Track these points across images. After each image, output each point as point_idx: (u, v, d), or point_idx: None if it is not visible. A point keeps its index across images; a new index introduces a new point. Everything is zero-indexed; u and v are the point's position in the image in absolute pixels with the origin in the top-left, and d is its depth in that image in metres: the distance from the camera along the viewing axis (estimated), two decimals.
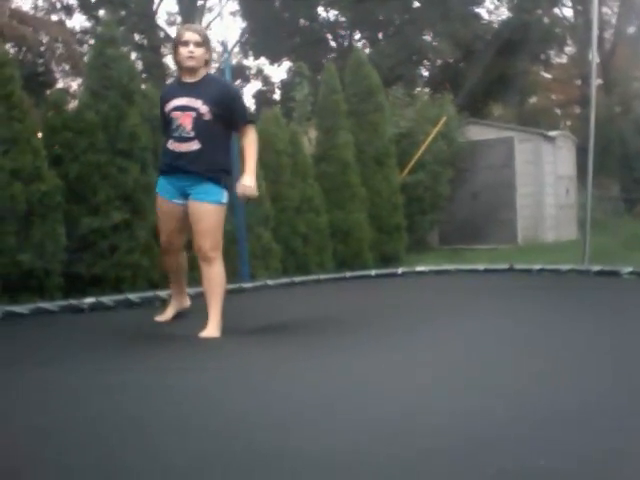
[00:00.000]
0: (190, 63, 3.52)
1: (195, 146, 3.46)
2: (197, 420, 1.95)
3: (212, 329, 3.37)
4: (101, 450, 1.70)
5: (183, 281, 3.95)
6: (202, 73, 3.58)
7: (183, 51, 3.52)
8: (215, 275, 3.50)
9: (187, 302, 4.00)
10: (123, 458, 1.64)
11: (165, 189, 3.63)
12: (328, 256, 6.93)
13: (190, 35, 3.54)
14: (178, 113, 3.49)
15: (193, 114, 3.46)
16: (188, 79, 3.57)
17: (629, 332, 3.21)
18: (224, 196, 3.55)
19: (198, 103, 3.46)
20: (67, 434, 1.84)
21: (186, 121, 3.45)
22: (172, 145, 3.52)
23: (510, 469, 1.51)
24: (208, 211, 3.50)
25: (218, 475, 1.54)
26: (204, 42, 3.56)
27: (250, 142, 3.60)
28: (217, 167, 3.54)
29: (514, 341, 3.08)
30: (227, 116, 3.54)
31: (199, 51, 3.52)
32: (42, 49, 13.86)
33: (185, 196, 3.56)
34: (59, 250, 4.58)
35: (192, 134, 3.45)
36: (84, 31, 18.95)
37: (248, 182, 3.53)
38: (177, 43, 3.58)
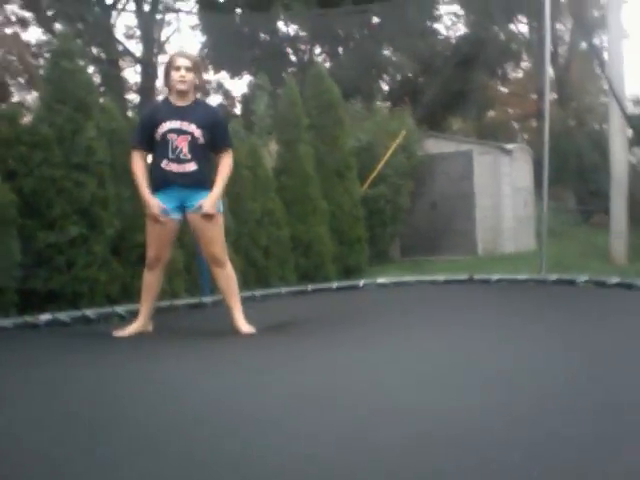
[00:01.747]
0: (181, 87, 3.77)
1: (192, 167, 3.77)
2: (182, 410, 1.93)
3: (246, 326, 3.79)
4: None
5: (152, 303, 3.99)
6: (191, 97, 3.85)
7: (175, 75, 3.76)
8: (230, 274, 3.91)
9: (151, 326, 3.99)
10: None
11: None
12: (290, 269, 6.92)
13: (182, 61, 3.80)
14: (174, 135, 3.75)
15: (188, 137, 3.75)
16: (179, 102, 3.82)
17: (582, 335, 3.30)
18: (221, 204, 3.90)
19: (192, 127, 3.75)
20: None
21: (182, 144, 3.74)
22: (169, 166, 3.77)
23: (478, 465, 1.52)
24: (212, 221, 3.82)
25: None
26: (194, 67, 3.83)
27: (225, 166, 3.90)
28: (209, 180, 3.86)
29: (471, 345, 3.11)
30: (211, 138, 3.83)
31: (189, 75, 3.78)
32: None
33: (182, 208, 3.83)
34: (13, 266, 4.47)
35: (189, 156, 3.75)
36: (40, 44, 18.68)
37: (208, 202, 3.80)
38: (169, 68, 3.82)
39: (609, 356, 2.82)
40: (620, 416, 1.91)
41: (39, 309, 4.41)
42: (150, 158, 3.91)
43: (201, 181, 3.81)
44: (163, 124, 3.75)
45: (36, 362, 3.10)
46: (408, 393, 2.27)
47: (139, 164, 3.85)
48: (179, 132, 3.74)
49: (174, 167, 3.75)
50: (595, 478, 1.48)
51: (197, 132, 3.75)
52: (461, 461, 1.58)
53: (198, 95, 3.98)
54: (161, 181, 3.80)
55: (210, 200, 3.80)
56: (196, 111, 3.81)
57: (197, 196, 3.80)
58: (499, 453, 1.62)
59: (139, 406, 2.25)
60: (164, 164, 3.76)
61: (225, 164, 3.90)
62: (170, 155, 3.74)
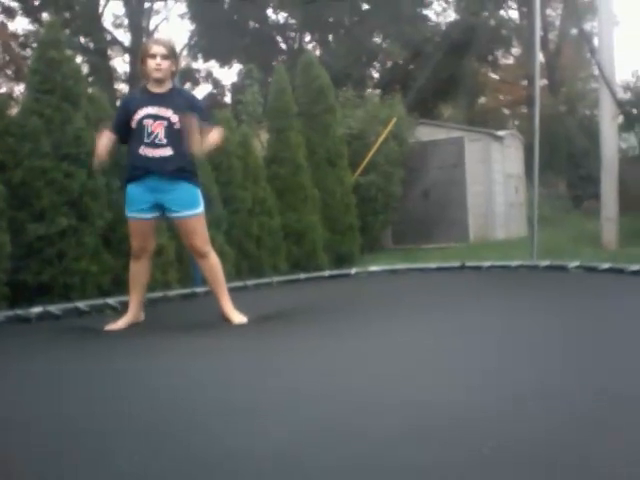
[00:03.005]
0: (157, 75, 3.73)
1: (168, 152, 3.69)
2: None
3: (237, 316, 3.77)
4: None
5: (142, 293, 3.98)
6: (168, 84, 3.81)
7: (151, 63, 3.73)
8: (214, 265, 3.87)
9: (142, 315, 3.98)
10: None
11: (134, 203, 3.79)
12: (282, 258, 6.91)
13: (157, 48, 3.76)
14: (150, 121, 3.71)
15: (165, 123, 3.69)
16: (156, 89, 3.78)
17: (573, 319, 3.33)
18: (199, 196, 3.82)
19: (169, 113, 3.70)
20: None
21: (158, 129, 3.69)
22: (144, 150, 3.71)
23: (458, 457, 1.52)
24: (192, 220, 3.78)
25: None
26: (170, 54, 3.79)
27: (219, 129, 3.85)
28: (188, 169, 3.78)
29: (465, 330, 3.13)
30: None
31: (166, 63, 3.74)
32: None
33: (157, 203, 3.76)
34: (3, 258, 4.44)
35: (165, 141, 3.68)
36: (27, 34, 18.50)
37: (215, 134, 3.76)
38: (145, 55, 3.76)
39: (604, 340, 2.83)
40: (620, 405, 1.90)
41: (30, 302, 4.38)
42: (128, 148, 3.84)
43: (178, 170, 3.72)
44: (139, 111, 3.71)
45: (28, 356, 3.09)
46: (401, 384, 2.25)
47: (104, 137, 3.76)
48: (155, 117, 3.69)
49: (149, 152, 3.69)
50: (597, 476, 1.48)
51: (174, 117, 3.68)
52: (459, 454, 1.57)
53: (176, 81, 3.95)
54: (137, 169, 3.74)
55: (216, 133, 3.77)
56: (173, 98, 3.76)
57: (174, 192, 3.73)
58: (499, 447, 1.61)
59: (128, 401, 2.24)
60: (140, 150, 3.70)
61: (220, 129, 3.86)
62: (145, 140, 3.69)
